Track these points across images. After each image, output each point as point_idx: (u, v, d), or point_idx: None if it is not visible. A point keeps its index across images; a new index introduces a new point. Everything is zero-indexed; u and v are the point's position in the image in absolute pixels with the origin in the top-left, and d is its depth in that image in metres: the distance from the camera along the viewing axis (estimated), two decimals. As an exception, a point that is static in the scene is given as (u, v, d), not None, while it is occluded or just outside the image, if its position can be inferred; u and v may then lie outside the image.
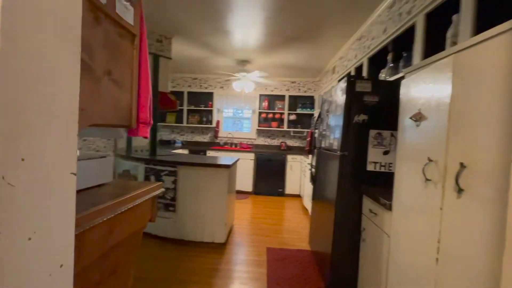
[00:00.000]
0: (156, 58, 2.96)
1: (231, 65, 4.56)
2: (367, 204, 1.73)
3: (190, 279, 2.13)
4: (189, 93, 5.54)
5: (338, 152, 1.88)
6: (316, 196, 2.60)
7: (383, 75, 2.27)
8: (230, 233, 3.06)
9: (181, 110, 5.52)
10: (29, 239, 0.42)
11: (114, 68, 0.71)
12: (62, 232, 0.47)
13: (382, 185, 1.74)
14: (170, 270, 2.24)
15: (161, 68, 3.00)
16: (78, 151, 1.00)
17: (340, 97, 1.95)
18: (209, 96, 5.53)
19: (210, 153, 5.06)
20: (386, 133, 1.80)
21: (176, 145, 5.51)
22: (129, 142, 3.65)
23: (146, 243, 2.71)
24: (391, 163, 1.79)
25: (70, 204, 0.49)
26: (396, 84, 1.50)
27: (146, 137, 0.92)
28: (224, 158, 3.19)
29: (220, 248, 2.67)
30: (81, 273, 0.68)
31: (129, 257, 0.91)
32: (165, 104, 3.09)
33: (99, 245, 0.70)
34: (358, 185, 1.84)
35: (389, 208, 1.39)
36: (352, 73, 2.96)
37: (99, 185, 0.95)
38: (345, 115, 1.83)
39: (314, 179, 2.68)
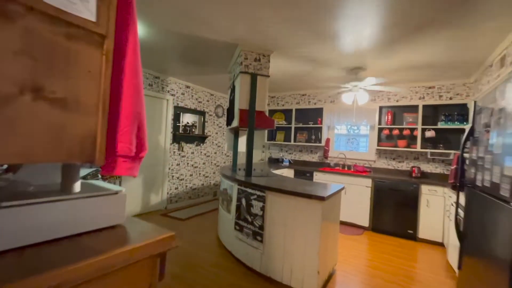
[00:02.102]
0: (254, 77, 2.91)
1: (341, 76, 3.98)
2: None
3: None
4: (297, 110, 5.32)
5: (513, 203, 0.99)
6: (468, 263, 1.59)
7: None
8: (328, 281, 2.44)
9: (289, 128, 5.37)
10: None
11: (54, 82, 0.50)
12: None
13: None
14: (246, 314, 1.94)
15: (258, 87, 2.91)
16: (79, 186, 0.89)
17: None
18: (318, 112, 5.09)
19: (317, 175, 4.55)
20: None
21: (284, 163, 5.36)
22: (234, 158, 3.79)
23: (233, 269, 2.57)
24: None
25: None
26: None
27: (133, 176, 0.67)
28: (331, 184, 2.64)
29: (310, 301, 2.12)
30: None
31: None
32: (262, 124, 2.96)
33: None
34: None
35: None
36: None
37: (103, 229, 0.78)
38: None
39: (461, 235, 1.67)
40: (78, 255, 0.60)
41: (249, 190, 2.61)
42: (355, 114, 4.70)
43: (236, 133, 3.71)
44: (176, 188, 4.92)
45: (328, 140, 4.98)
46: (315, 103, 5.25)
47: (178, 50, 3.23)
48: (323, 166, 5.04)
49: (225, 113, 5.96)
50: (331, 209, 2.37)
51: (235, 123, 3.04)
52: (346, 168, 4.76)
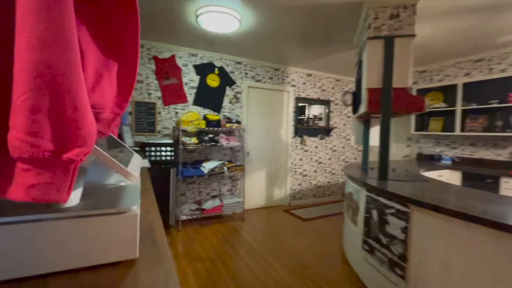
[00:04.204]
0: (389, 42, 2.07)
1: None
2: None
3: None
4: (466, 85, 3.64)
5: None
6: None
7: None
8: None
9: (451, 112, 3.78)
10: None
11: None
12: None
13: None
14: None
15: (396, 54, 2.05)
16: (78, 197, 0.64)
17: None
18: (508, 84, 3.24)
19: (508, 183, 2.90)
20: None
21: (443, 162, 3.87)
22: (365, 154, 3.04)
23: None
24: None
25: None
26: None
27: (58, 201, 0.32)
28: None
29: None
30: None
31: None
32: (404, 106, 2.07)
33: None
34: None
35: None
36: None
37: (99, 266, 0.52)
38: None
39: None
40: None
41: (383, 201, 1.87)
42: None
43: (366, 122, 2.93)
44: (299, 184, 4.66)
45: (531, 127, 3.08)
46: (502, 70, 3.40)
47: (294, 30, 2.87)
48: (520, 168, 3.19)
49: (355, 100, 5.07)
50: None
51: (362, 108, 2.33)
52: None
